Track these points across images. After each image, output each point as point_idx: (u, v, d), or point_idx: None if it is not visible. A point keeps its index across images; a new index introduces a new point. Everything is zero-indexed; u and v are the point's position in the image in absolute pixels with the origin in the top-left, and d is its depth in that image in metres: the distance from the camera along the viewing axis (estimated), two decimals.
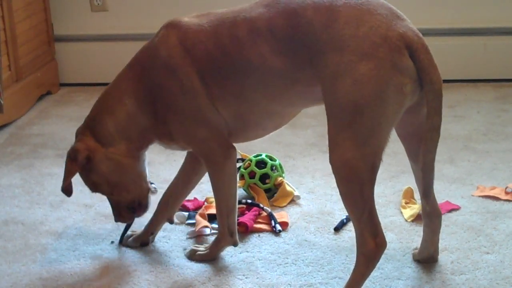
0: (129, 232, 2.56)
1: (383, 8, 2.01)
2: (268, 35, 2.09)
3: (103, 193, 2.41)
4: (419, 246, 2.36)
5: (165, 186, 2.93)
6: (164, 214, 2.53)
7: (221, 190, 2.33)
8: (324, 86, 2.02)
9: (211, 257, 2.39)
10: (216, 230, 2.44)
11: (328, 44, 1.99)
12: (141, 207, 2.43)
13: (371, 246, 2.05)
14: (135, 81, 2.30)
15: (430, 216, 2.25)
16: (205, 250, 2.41)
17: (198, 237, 2.54)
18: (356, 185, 2.02)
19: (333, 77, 1.98)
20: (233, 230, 2.37)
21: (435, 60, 2.00)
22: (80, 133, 2.36)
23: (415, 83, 1.98)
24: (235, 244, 2.39)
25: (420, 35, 2.01)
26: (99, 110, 2.35)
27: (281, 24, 2.07)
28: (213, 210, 2.55)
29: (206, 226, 2.56)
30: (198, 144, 2.30)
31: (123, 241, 2.53)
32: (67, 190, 2.39)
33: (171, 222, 2.58)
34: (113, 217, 2.48)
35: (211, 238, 2.48)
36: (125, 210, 2.43)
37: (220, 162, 2.29)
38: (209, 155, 2.30)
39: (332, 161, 2.03)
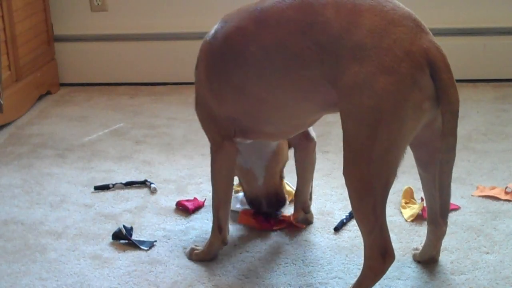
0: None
1: (409, 20, 1.93)
2: (275, 27, 2.03)
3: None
4: (419, 246, 2.36)
5: (165, 186, 2.93)
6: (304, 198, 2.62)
7: (213, 181, 2.34)
8: (340, 95, 1.94)
9: (206, 256, 2.38)
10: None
11: (347, 49, 1.90)
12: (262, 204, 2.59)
13: (379, 262, 2.00)
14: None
15: (438, 225, 2.22)
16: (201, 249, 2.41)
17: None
18: (368, 201, 1.96)
19: (350, 87, 1.90)
20: (222, 226, 2.35)
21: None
22: None
23: (433, 101, 1.91)
24: (224, 241, 2.37)
25: (443, 51, 1.92)
26: None
27: (294, 17, 2.00)
28: None
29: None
30: (205, 131, 2.35)
31: None
32: None
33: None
34: (113, 216, 2.54)
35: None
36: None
37: (213, 154, 2.31)
38: (210, 143, 2.34)
39: (345, 174, 1.98)
